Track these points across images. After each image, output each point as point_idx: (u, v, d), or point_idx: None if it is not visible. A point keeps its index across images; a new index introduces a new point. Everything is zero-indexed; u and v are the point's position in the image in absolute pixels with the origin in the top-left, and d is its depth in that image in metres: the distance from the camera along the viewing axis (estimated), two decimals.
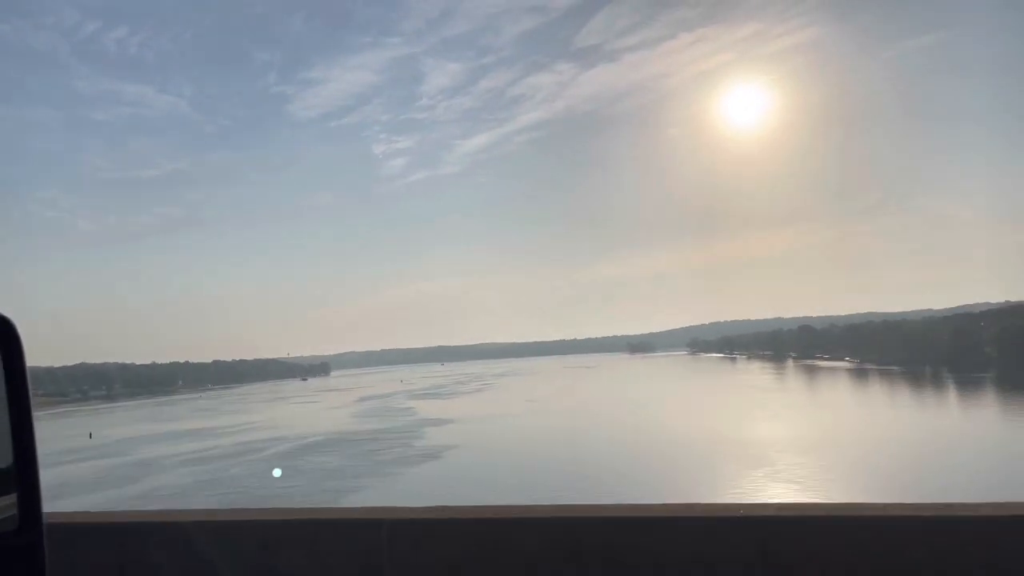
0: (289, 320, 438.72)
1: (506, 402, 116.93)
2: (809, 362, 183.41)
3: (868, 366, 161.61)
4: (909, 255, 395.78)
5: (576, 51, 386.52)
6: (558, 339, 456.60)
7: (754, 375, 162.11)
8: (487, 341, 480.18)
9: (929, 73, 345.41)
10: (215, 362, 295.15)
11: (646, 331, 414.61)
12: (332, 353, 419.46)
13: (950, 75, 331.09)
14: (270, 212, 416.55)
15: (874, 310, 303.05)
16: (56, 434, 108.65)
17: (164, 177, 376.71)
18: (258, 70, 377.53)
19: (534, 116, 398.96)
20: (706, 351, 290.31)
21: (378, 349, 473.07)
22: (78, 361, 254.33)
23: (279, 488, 53.11)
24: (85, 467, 68.43)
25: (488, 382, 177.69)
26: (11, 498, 2.11)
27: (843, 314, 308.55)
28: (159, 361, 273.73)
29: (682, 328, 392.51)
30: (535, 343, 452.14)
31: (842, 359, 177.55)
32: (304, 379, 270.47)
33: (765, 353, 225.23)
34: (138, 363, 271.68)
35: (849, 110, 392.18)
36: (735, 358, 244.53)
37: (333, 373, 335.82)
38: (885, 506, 3.57)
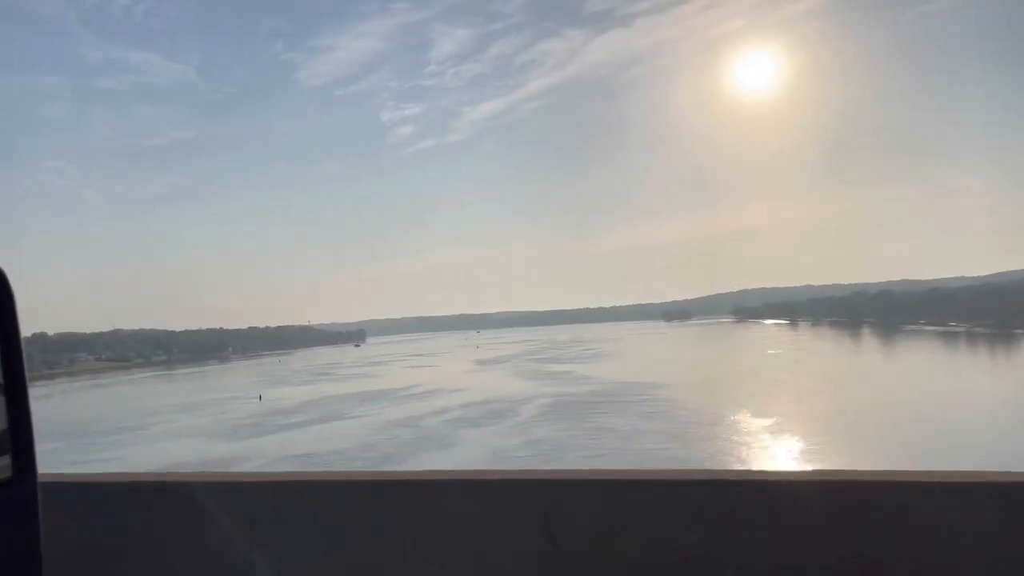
0: (302, 289, 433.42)
1: (670, 361, 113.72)
2: (898, 328, 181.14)
3: (965, 329, 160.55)
4: (922, 224, 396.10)
5: (587, 16, 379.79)
6: (582, 307, 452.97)
7: (867, 343, 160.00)
8: (509, 309, 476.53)
9: (946, 38, 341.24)
10: (251, 328, 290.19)
11: (671, 299, 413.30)
12: (352, 320, 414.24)
13: (966, 40, 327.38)
14: (276, 181, 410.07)
15: (908, 277, 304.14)
16: (202, 398, 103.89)
17: (171, 146, 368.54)
18: (265, 38, 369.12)
19: (544, 83, 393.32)
20: (751, 318, 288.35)
21: (399, 317, 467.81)
22: (112, 327, 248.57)
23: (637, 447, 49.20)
24: (367, 430, 63.85)
25: (593, 347, 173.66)
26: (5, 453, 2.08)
27: (876, 281, 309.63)
28: (190, 327, 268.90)
29: (712, 296, 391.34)
30: (558, 311, 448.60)
31: (938, 324, 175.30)
32: (357, 345, 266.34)
33: (834, 320, 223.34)
34: (175, 330, 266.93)
35: (861, 77, 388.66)
36: (796, 324, 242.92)
37: (369, 340, 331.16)
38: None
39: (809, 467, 31.80)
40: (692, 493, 3.70)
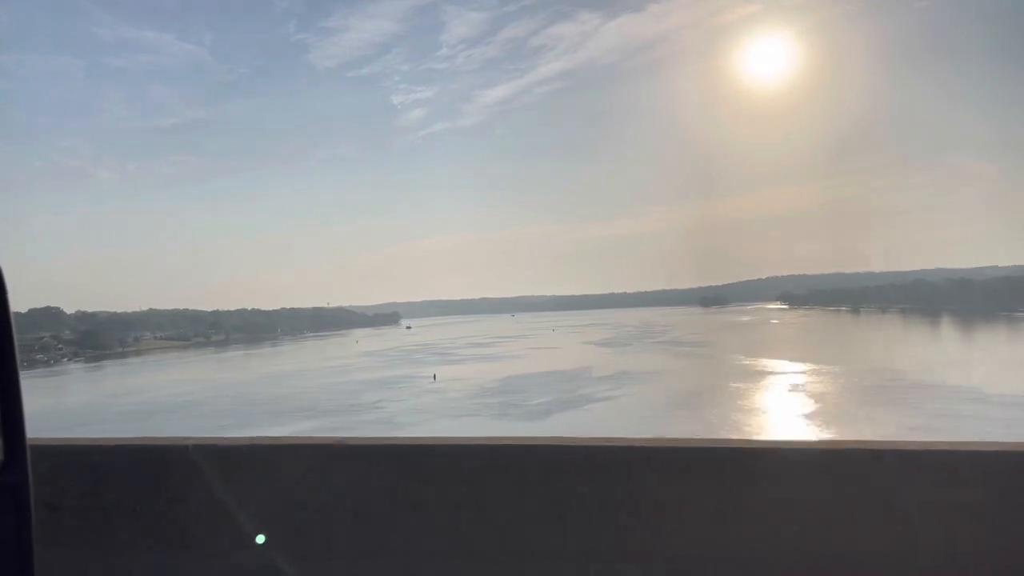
0: (313, 270, 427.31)
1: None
2: (994, 316, 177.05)
3: None
4: (948, 213, 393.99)
5: (601, 0, 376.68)
6: (606, 292, 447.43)
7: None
8: (529, 294, 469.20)
9: (963, 24, 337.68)
10: (286, 309, 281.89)
11: (691, 285, 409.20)
12: (372, 303, 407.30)
13: (985, 26, 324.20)
14: (286, 162, 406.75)
15: (943, 266, 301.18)
16: (354, 377, 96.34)
17: (183, 125, 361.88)
18: (278, 18, 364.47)
19: (556, 67, 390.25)
20: (802, 305, 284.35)
21: (418, 300, 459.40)
22: (146, 307, 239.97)
23: None
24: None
25: (698, 335, 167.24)
26: None
27: (910, 269, 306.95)
28: (219, 308, 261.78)
29: (743, 282, 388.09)
30: (583, 296, 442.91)
31: None
32: (408, 327, 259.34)
33: (904, 307, 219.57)
34: (203, 309, 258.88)
35: (877, 63, 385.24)
36: (858, 312, 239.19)
37: (402, 323, 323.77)
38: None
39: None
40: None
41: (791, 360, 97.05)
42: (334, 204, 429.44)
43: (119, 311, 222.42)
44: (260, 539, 3.99)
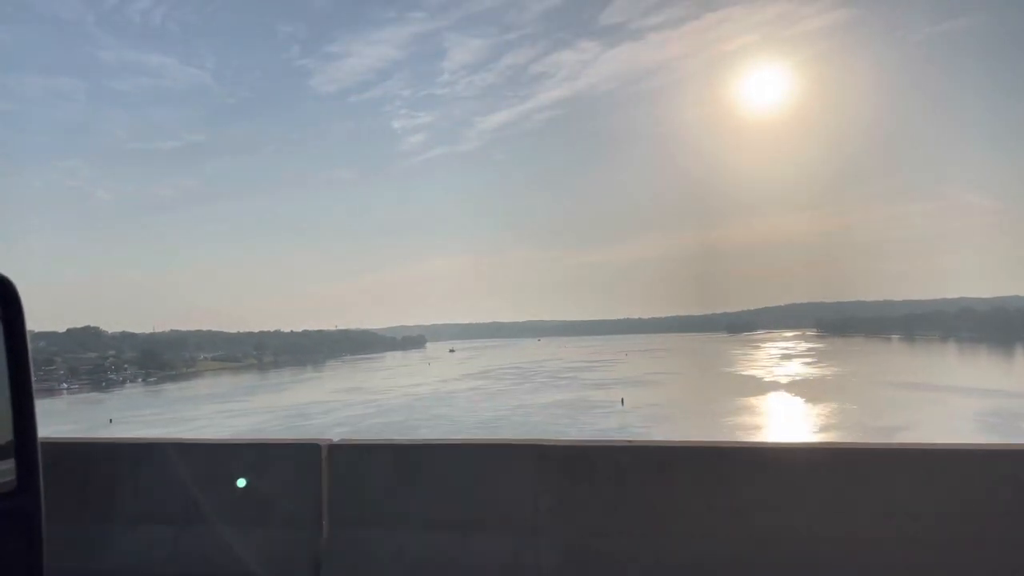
0: (317, 293, 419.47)
1: None
2: None
3: None
4: (941, 242, 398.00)
5: (600, 29, 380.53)
6: (622, 317, 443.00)
7: None
8: (539, 318, 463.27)
9: (957, 59, 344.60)
10: (316, 332, 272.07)
11: (700, 312, 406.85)
12: (382, 325, 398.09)
13: (977, 61, 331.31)
14: (287, 186, 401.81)
15: (965, 295, 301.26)
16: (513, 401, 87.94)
17: (184, 148, 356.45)
18: (281, 43, 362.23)
19: (555, 94, 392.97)
20: (837, 333, 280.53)
21: (428, 324, 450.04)
22: (169, 328, 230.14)
23: None
24: None
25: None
26: (10, 462, 2.05)
27: (929, 299, 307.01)
28: (241, 330, 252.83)
29: (761, 309, 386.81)
30: (592, 321, 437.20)
31: None
32: (451, 350, 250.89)
33: (968, 336, 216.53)
34: (219, 331, 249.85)
35: (872, 95, 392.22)
36: (912, 340, 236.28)
37: (427, 346, 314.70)
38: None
39: None
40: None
41: None
42: (334, 227, 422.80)
43: (161, 331, 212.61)
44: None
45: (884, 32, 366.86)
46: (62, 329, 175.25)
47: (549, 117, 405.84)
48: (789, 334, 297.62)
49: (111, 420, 79.65)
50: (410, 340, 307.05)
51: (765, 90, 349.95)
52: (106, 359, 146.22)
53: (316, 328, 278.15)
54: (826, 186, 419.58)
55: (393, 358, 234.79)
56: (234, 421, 76.14)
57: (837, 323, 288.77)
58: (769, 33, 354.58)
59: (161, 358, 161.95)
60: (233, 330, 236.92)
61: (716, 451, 4.38)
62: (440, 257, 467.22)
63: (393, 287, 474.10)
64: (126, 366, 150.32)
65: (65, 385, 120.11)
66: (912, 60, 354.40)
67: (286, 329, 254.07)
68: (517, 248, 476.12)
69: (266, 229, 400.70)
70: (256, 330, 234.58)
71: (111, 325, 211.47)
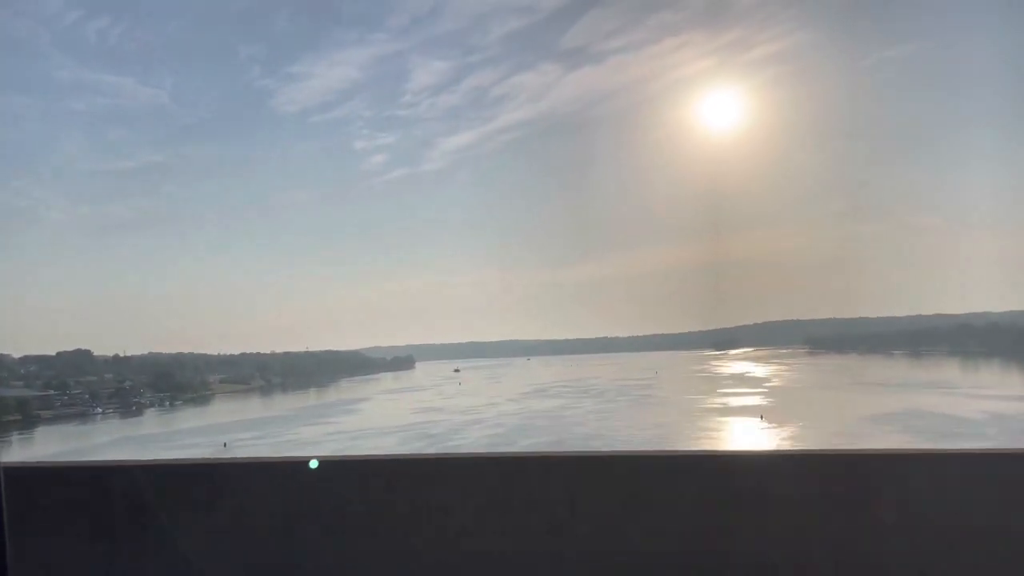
0: (283, 314, 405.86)
1: None
2: None
3: None
4: (898, 260, 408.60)
5: (562, 52, 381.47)
6: (598, 336, 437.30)
7: None
8: (513, 338, 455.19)
9: (904, 83, 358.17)
10: (302, 352, 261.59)
11: (684, 330, 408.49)
12: (364, 347, 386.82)
13: (924, 86, 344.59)
14: (247, 207, 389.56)
15: (941, 312, 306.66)
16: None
17: (141, 169, 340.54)
18: (242, 64, 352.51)
19: (517, 115, 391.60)
20: (832, 350, 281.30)
21: (403, 344, 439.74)
22: (147, 351, 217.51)
23: None
24: None
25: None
26: None
27: (904, 315, 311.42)
28: (233, 352, 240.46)
29: (734, 327, 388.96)
30: (568, 340, 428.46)
31: None
32: (456, 370, 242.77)
33: (974, 350, 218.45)
34: (203, 353, 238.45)
35: (823, 118, 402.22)
36: (920, 356, 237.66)
37: (417, 365, 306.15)
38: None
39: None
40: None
41: None
42: (296, 248, 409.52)
43: (159, 352, 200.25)
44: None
45: (836, 57, 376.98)
46: (53, 352, 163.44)
47: (512, 138, 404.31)
48: (784, 351, 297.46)
49: (225, 444, 71.62)
50: (399, 361, 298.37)
51: (722, 114, 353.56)
52: (122, 382, 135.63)
53: (284, 350, 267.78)
54: (783, 207, 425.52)
55: (397, 379, 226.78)
56: (359, 443, 68.08)
57: (829, 340, 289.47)
58: (726, 57, 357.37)
59: (172, 380, 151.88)
60: (213, 352, 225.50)
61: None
62: (411, 279, 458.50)
63: (359, 308, 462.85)
64: (141, 390, 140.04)
65: (100, 410, 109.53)
66: (861, 85, 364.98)
67: (280, 350, 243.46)
68: (487, 267, 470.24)
69: (228, 250, 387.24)
70: (253, 351, 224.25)
71: (93, 347, 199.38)
